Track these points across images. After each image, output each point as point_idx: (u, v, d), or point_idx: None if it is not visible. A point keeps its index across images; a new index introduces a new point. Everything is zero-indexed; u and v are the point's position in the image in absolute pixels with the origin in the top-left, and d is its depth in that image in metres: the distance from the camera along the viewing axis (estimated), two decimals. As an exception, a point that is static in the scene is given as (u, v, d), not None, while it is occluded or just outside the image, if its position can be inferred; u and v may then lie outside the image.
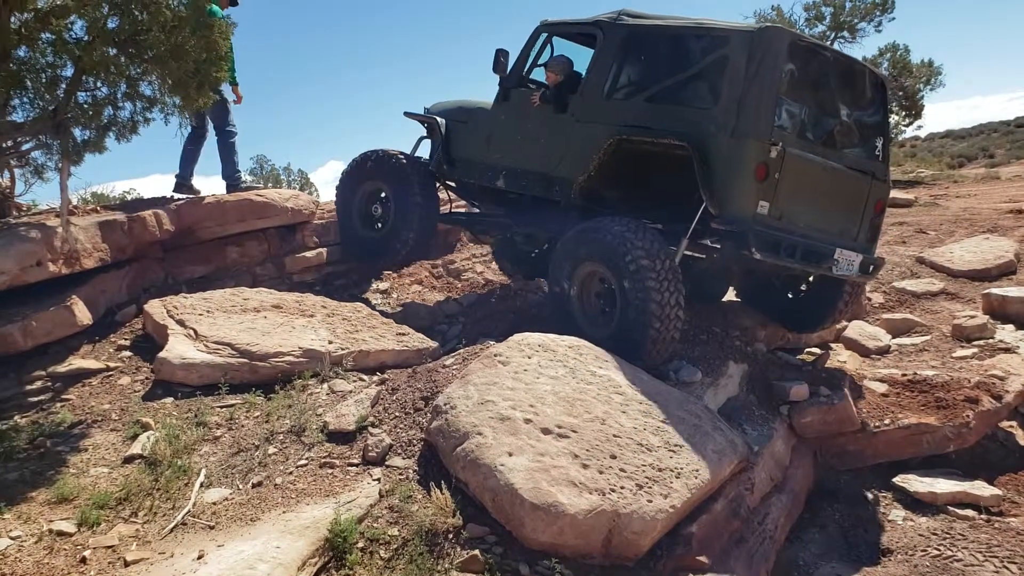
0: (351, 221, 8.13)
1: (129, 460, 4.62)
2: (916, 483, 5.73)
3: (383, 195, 7.94)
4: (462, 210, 8.68)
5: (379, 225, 8.00)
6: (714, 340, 6.39)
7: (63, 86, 5.51)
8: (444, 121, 7.83)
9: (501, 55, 6.97)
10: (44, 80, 5.38)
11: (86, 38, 5.50)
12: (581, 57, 6.84)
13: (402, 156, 7.83)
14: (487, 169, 7.34)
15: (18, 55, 5.33)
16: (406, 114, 8.21)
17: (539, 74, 7.23)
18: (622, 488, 3.97)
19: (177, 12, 5.63)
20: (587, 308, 6.08)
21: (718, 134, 5.57)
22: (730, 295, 7.86)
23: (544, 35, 7.00)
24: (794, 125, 5.77)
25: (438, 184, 7.99)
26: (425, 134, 8.12)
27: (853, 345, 7.52)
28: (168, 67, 5.61)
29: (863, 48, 33.23)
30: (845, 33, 21.71)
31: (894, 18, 21.62)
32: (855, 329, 7.73)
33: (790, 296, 7.20)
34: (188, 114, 6.15)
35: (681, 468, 4.25)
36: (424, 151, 8.11)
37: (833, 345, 7.49)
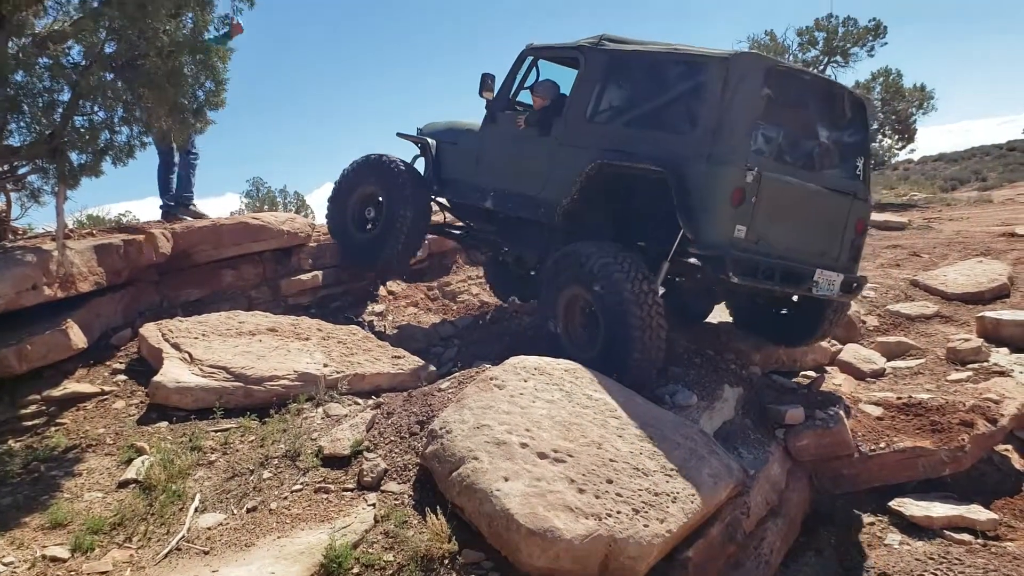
0: (345, 222, 8.19)
1: (123, 485, 4.60)
2: (912, 507, 5.72)
3: (379, 198, 8.02)
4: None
5: (370, 226, 8.08)
6: (709, 363, 6.39)
7: (60, 110, 5.52)
8: (434, 142, 8.04)
9: (488, 78, 7.11)
10: (41, 104, 5.40)
11: (83, 63, 5.54)
12: (567, 79, 6.96)
13: (400, 161, 7.94)
14: (476, 190, 7.47)
15: (15, 80, 5.34)
16: (399, 135, 8.46)
17: (526, 96, 7.35)
18: (618, 513, 3.96)
19: (174, 37, 5.67)
20: (574, 338, 6.17)
21: (695, 160, 5.60)
22: (724, 315, 7.89)
23: (530, 58, 7.16)
24: (772, 149, 5.80)
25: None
26: (419, 153, 8.22)
27: (848, 368, 7.53)
28: (165, 92, 5.64)
29: (856, 73, 33.50)
30: (838, 58, 21.93)
31: (886, 43, 21.93)
32: (850, 352, 7.74)
33: (778, 313, 7.20)
34: (155, 140, 6.15)
35: (677, 492, 4.25)
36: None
37: (828, 368, 7.49)
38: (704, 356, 6.51)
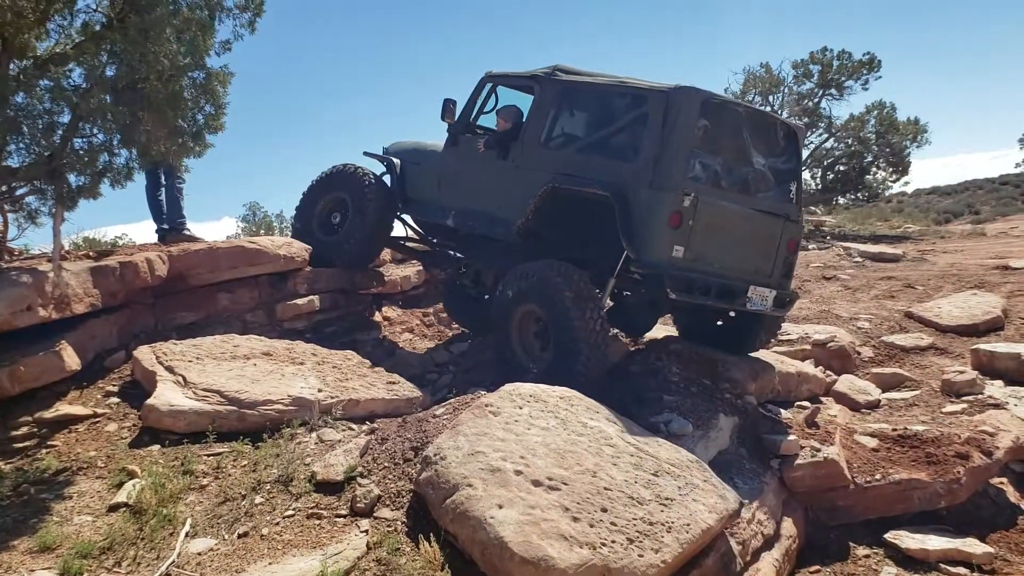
0: (311, 226, 8.62)
1: (114, 508, 4.55)
2: (907, 539, 5.68)
3: (346, 205, 8.48)
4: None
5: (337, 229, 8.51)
6: (704, 393, 6.39)
7: (60, 132, 5.53)
8: (399, 162, 8.52)
9: (449, 104, 7.62)
10: (41, 126, 5.41)
11: (84, 85, 5.56)
12: (525, 104, 7.44)
13: (367, 170, 8.51)
14: (438, 208, 7.95)
15: (16, 101, 5.36)
16: (365, 154, 8.92)
17: (486, 120, 7.84)
18: (613, 542, 3.94)
19: (175, 61, 5.70)
20: (531, 354, 6.60)
21: (637, 185, 6.09)
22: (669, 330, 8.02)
23: (489, 84, 7.68)
24: (708, 175, 6.29)
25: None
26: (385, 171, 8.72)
27: (843, 399, 7.52)
28: (164, 115, 5.66)
29: (850, 105, 33.47)
30: (833, 90, 22.07)
31: (880, 77, 22.12)
32: (845, 383, 7.74)
33: (719, 323, 7.55)
34: (143, 163, 6.18)
35: (672, 522, 4.22)
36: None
37: (823, 399, 7.48)
38: (700, 385, 6.51)
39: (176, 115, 5.81)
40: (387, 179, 8.57)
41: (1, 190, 5.81)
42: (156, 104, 5.59)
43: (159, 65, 5.52)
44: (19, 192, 5.95)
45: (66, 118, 5.53)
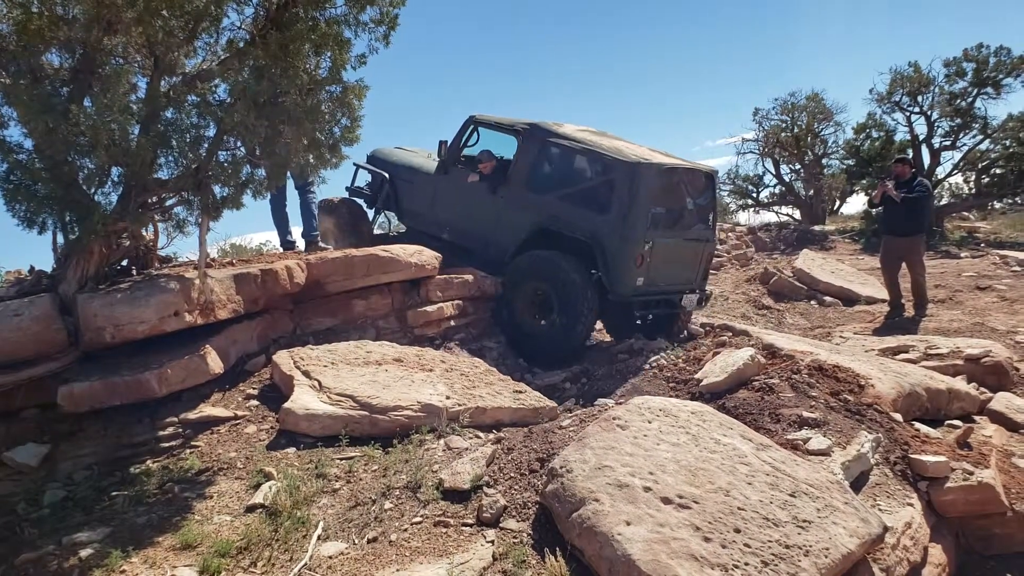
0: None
1: (251, 509, 4.69)
2: (1075, 575, 5.23)
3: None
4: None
5: None
6: (846, 409, 6.06)
7: (205, 146, 5.78)
8: (390, 176, 10.33)
9: (443, 144, 9.55)
10: (188, 140, 5.65)
11: (228, 100, 5.78)
12: (499, 142, 9.36)
13: (342, 201, 10.43)
14: (433, 223, 9.87)
15: (166, 116, 5.63)
16: (356, 165, 10.84)
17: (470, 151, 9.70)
18: (746, 565, 3.77)
19: (313, 75, 5.87)
20: (526, 316, 8.60)
21: (611, 236, 8.10)
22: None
23: (472, 126, 9.51)
24: (659, 222, 8.32)
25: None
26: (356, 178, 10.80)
27: (999, 418, 6.99)
28: (303, 128, 5.83)
29: (1008, 104, 31.27)
30: (989, 89, 20.60)
31: (1045, 74, 20.42)
32: (1001, 401, 7.20)
33: (639, 322, 9.30)
34: (277, 175, 6.39)
35: (810, 546, 4.01)
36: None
37: (977, 418, 6.99)
38: (841, 401, 6.19)
39: (314, 128, 5.99)
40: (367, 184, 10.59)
41: (152, 201, 6.11)
42: (296, 117, 5.77)
43: (299, 79, 5.69)
44: (168, 203, 6.25)
45: (211, 132, 5.77)
